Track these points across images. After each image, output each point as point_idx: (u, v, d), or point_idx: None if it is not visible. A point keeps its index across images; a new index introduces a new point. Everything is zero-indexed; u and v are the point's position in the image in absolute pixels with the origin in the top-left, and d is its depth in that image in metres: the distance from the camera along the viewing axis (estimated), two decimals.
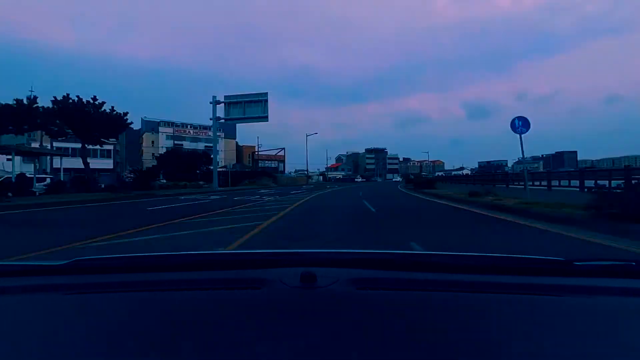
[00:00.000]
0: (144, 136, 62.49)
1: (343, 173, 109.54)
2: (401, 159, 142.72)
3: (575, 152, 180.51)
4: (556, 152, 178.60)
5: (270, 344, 0.56)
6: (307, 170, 60.57)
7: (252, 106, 25.37)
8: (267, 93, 25.37)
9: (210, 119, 25.99)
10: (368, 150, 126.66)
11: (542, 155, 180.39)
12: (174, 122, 63.28)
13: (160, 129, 61.32)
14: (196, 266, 1.01)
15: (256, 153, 66.82)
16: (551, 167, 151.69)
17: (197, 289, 0.85)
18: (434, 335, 0.60)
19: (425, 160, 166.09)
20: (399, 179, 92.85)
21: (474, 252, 1.04)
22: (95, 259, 1.08)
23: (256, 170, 45.53)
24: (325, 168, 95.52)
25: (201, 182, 29.96)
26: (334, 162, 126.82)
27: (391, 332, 0.61)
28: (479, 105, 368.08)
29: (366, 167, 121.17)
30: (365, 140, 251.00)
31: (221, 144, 68.48)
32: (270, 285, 0.80)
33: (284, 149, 74.31)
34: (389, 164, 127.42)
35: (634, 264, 0.89)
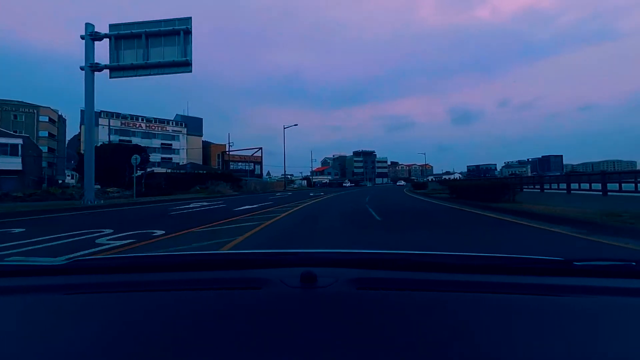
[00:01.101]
0: (81, 130, 48.67)
1: (330, 177, 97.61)
2: (389, 163, 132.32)
3: (560, 156, 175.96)
4: (542, 156, 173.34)
5: (270, 344, 0.55)
6: (285, 173, 47.78)
7: (162, 44, 12.71)
8: (189, 19, 12.46)
9: (82, 68, 13.15)
10: (356, 153, 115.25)
11: (528, 159, 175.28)
12: (119, 114, 49.65)
13: (101, 120, 47.44)
14: (196, 266, 0.98)
15: (226, 153, 53.81)
16: (538, 171, 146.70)
17: (197, 289, 0.83)
18: (434, 335, 0.59)
19: (414, 164, 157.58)
20: (402, 183, 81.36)
21: (475, 252, 0.99)
22: (95, 259, 1.03)
23: (215, 173, 32.86)
24: (310, 172, 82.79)
25: (98, 186, 17.48)
26: (319, 166, 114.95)
27: (391, 332, 0.59)
28: (464, 111, 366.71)
29: (354, 170, 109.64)
30: (352, 145, 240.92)
31: (182, 141, 55.15)
32: (270, 285, 0.79)
33: (260, 148, 61.55)
34: (378, 167, 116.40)
35: (634, 264, 0.87)
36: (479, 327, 0.62)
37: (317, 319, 0.64)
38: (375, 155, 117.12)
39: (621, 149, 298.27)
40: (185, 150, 54.52)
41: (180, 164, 49.31)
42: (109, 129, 42.23)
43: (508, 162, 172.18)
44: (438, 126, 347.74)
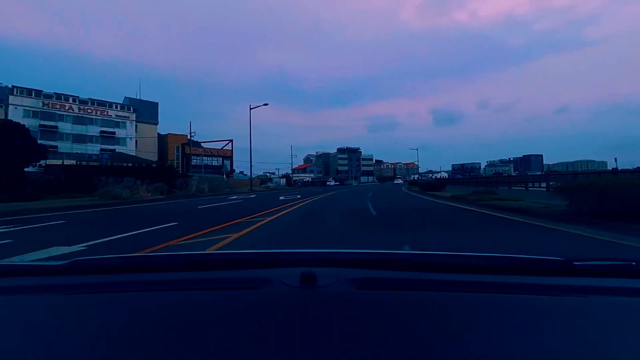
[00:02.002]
0: None
1: (312, 175, 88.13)
2: (374, 161, 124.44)
3: (541, 156, 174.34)
4: (524, 156, 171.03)
5: (270, 344, 0.55)
6: (251, 168, 35.91)
7: None
8: None
9: None
10: (340, 150, 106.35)
11: (510, 158, 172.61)
12: (40, 91, 38.08)
13: (12, 99, 35.86)
14: (196, 266, 0.97)
15: (187, 145, 43.19)
16: (520, 170, 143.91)
17: (197, 289, 0.82)
18: (434, 335, 0.59)
19: (398, 162, 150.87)
20: (399, 181, 73.10)
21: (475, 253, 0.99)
22: (95, 259, 1.03)
23: (147, 166, 22.57)
24: (292, 169, 72.68)
25: None
26: (302, 163, 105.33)
27: (391, 332, 0.58)
28: (446, 111, 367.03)
29: (338, 168, 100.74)
30: (336, 144, 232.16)
31: (129, 129, 43.96)
32: (270, 285, 0.78)
33: (231, 141, 51.29)
34: (363, 165, 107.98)
35: (634, 263, 0.85)
36: (479, 327, 0.61)
37: (317, 319, 0.63)
38: (361, 152, 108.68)
39: (594, 150, 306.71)
40: (133, 140, 43.49)
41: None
42: (5, 106, 30.85)
43: (490, 161, 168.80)
44: (420, 126, 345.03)
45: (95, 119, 41.45)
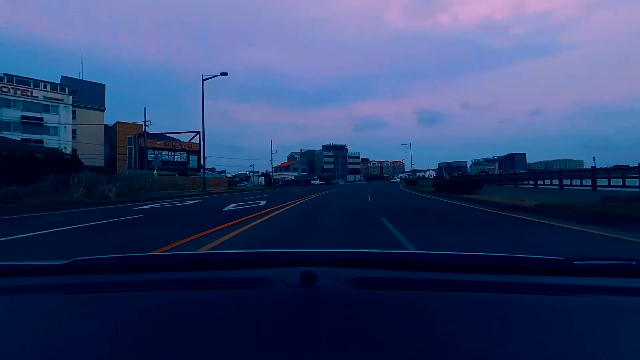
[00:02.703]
0: None
1: (296, 174, 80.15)
2: (360, 159, 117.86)
3: (524, 154, 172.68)
4: (508, 154, 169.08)
5: (270, 343, 0.54)
6: (204, 159, 25.72)
7: None
8: None
9: None
10: (326, 147, 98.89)
11: (494, 157, 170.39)
12: None
13: None
14: (196, 266, 0.97)
15: (141, 137, 34.49)
16: (505, 168, 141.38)
17: (197, 288, 0.81)
18: (434, 335, 0.58)
19: (385, 161, 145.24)
20: (396, 179, 66.81)
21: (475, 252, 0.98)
22: (95, 259, 1.01)
23: (27, 155, 14.29)
24: (272, 167, 64.12)
25: None
26: (285, 161, 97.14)
27: (391, 331, 0.58)
28: (430, 112, 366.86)
29: (323, 166, 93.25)
30: (321, 142, 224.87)
31: (64, 115, 34.66)
32: (270, 285, 0.77)
33: (198, 133, 42.72)
34: (350, 163, 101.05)
35: (634, 263, 0.84)
36: (479, 327, 0.60)
37: (317, 319, 0.62)
38: (347, 150, 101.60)
39: (569, 150, 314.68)
40: (69, 128, 34.38)
41: (67, 149, 29.43)
42: None
43: (476, 160, 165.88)
44: (405, 126, 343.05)
45: (13, 100, 32.01)
